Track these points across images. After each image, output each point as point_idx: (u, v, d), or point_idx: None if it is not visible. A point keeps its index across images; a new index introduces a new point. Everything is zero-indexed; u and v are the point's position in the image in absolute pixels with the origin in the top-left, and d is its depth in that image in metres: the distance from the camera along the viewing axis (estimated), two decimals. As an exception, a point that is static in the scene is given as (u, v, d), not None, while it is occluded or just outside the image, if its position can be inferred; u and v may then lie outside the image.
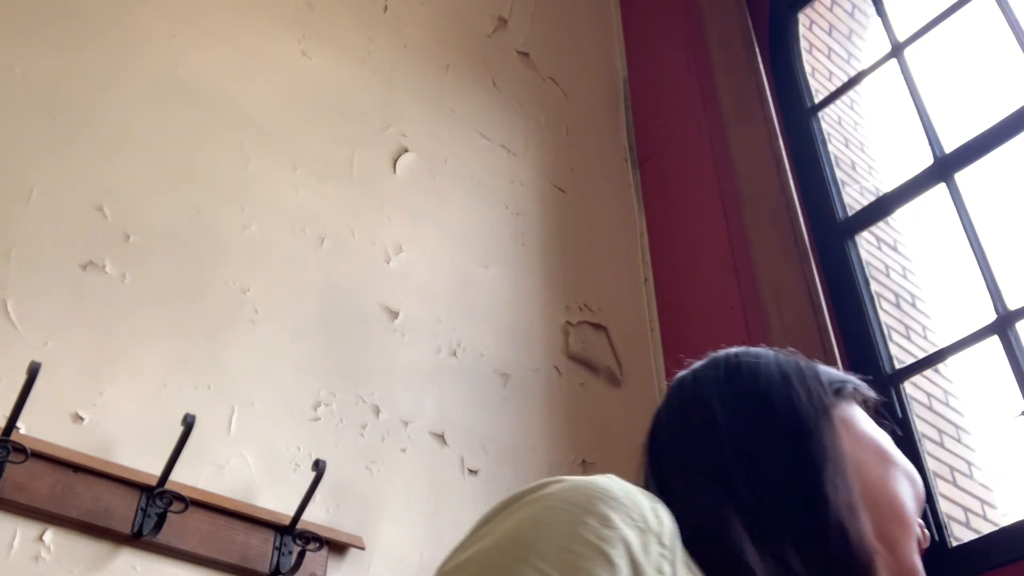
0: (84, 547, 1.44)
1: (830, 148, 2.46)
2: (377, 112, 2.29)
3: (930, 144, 2.15)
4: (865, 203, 2.35)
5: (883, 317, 2.15)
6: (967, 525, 2.03)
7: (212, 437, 1.63)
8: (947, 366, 2.25)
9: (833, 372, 0.79)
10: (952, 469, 2.11)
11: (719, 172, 2.54)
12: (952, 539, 1.79)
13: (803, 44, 2.65)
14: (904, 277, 2.42)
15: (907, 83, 2.29)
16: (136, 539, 1.46)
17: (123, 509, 1.47)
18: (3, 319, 1.53)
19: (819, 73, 2.65)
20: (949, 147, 2.13)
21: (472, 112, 2.52)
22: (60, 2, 1.89)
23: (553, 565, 0.51)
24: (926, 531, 0.76)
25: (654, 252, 2.64)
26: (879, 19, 2.50)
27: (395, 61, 2.43)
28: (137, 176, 1.81)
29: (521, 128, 2.62)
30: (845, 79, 2.66)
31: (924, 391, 2.20)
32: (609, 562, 0.52)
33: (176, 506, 1.47)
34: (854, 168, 2.51)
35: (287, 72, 2.18)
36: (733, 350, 0.80)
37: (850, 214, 2.30)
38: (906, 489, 0.74)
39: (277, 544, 1.59)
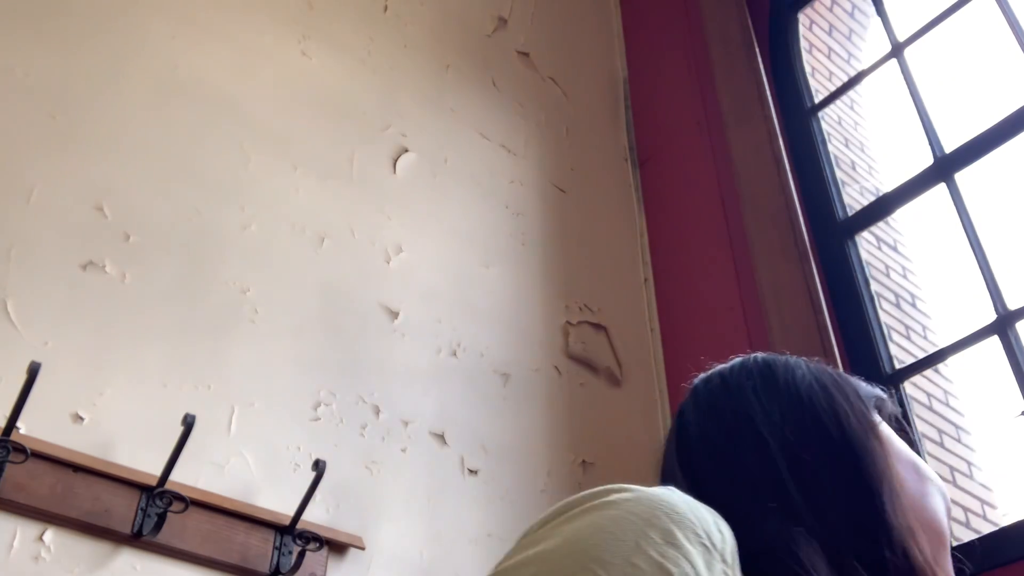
0: (84, 547, 1.44)
1: (830, 148, 2.46)
2: (377, 112, 2.29)
3: (930, 144, 2.15)
4: (865, 203, 2.35)
5: (883, 317, 2.15)
6: (967, 525, 2.03)
7: (212, 437, 1.63)
8: (947, 366, 2.25)
9: (863, 385, 0.78)
10: (952, 469, 2.11)
11: (719, 172, 2.54)
12: (952, 539, 1.79)
13: (803, 44, 2.65)
14: (904, 277, 2.42)
15: (907, 83, 2.29)
16: (136, 539, 1.46)
17: (123, 509, 1.47)
18: (3, 319, 1.53)
19: (819, 73, 2.65)
20: (949, 147, 2.13)
21: (472, 112, 2.52)
22: (60, 2, 1.89)
23: (612, 575, 0.50)
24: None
25: (654, 252, 2.64)
26: (879, 19, 2.50)
27: (395, 61, 2.43)
28: (137, 176, 1.81)
29: (521, 128, 2.62)
30: (845, 79, 2.66)
31: (924, 391, 2.20)
32: None
33: (176, 506, 1.47)
34: (854, 168, 2.51)
35: (287, 72, 2.18)
36: (760, 356, 0.78)
37: (850, 214, 2.30)
38: (940, 505, 0.74)
39: (277, 544, 1.59)
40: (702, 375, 0.80)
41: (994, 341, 1.86)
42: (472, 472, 1.95)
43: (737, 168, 2.45)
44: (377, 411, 1.88)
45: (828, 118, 2.55)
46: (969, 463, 2.18)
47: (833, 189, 2.36)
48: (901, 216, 2.48)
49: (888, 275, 2.36)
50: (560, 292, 2.39)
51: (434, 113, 2.42)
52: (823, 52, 2.72)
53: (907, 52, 2.35)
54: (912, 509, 0.69)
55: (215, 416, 1.66)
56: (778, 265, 2.21)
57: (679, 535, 0.53)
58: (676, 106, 2.81)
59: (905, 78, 2.30)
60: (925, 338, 2.29)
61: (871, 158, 2.62)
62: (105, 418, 1.54)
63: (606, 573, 0.50)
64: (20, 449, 1.38)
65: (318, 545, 1.61)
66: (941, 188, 2.11)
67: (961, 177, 2.08)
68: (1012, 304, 1.86)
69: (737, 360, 0.79)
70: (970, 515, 2.07)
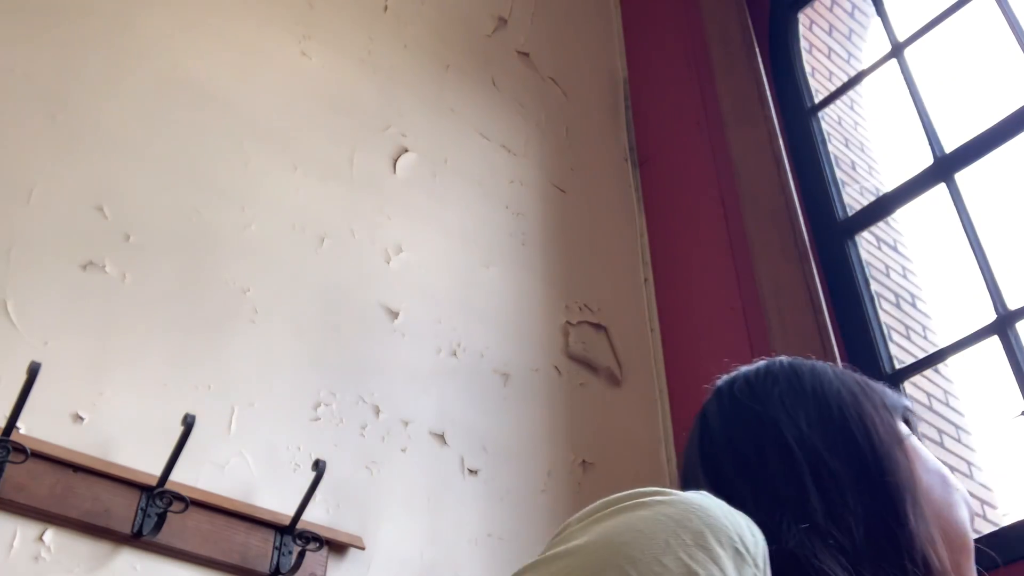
0: (84, 547, 1.44)
1: (830, 148, 2.46)
2: (377, 112, 2.29)
3: (930, 144, 2.15)
4: (865, 203, 2.35)
5: (883, 317, 2.15)
6: (967, 525, 2.03)
7: (212, 437, 1.63)
8: (947, 366, 2.26)
9: (890, 393, 0.78)
10: (952, 469, 2.11)
11: (719, 172, 2.54)
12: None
13: (803, 44, 2.65)
14: (904, 277, 2.42)
15: (907, 83, 2.29)
16: (136, 539, 1.46)
17: (123, 509, 1.47)
18: (3, 319, 1.53)
19: (819, 73, 2.65)
20: (949, 147, 2.13)
21: (472, 112, 2.52)
22: (60, 2, 1.89)
23: (641, 573, 0.51)
24: None
25: (654, 252, 2.64)
26: (879, 19, 2.50)
27: (395, 61, 2.43)
28: (137, 176, 1.81)
29: (521, 128, 2.62)
30: (845, 79, 2.66)
31: (924, 391, 2.20)
32: None
33: (176, 506, 1.47)
34: (854, 168, 2.51)
35: (287, 72, 2.18)
36: (787, 360, 0.78)
37: (850, 214, 2.30)
38: (965, 514, 0.73)
39: (277, 544, 1.59)
40: (725, 376, 0.79)
41: (994, 341, 1.86)
42: (472, 472, 1.95)
43: (737, 168, 2.45)
44: (377, 411, 1.88)
45: (828, 118, 2.55)
46: (969, 463, 2.18)
47: (833, 189, 2.36)
48: (901, 216, 2.48)
49: (888, 275, 2.36)
50: (560, 292, 2.39)
51: (434, 113, 2.42)
52: (823, 52, 2.72)
53: (907, 52, 2.35)
54: (936, 518, 0.69)
55: (215, 416, 1.66)
56: (778, 265, 2.21)
57: (710, 538, 0.54)
58: (676, 106, 2.81)
59: (905, 78, 2.30)
60: (925, 338, 2.29)
61: (871, 158, 2.62)
62: (105, 418, 1.54)
63: (635, 570, 0.51)
64: (20, 449, 1.38)
65: (318, 545, 1.61)
66: (941, 188, 2.11)
67: (961, 177, 2.08)
68: (1012, 304, 1.86)
69: (762, 363, 0.78)
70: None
